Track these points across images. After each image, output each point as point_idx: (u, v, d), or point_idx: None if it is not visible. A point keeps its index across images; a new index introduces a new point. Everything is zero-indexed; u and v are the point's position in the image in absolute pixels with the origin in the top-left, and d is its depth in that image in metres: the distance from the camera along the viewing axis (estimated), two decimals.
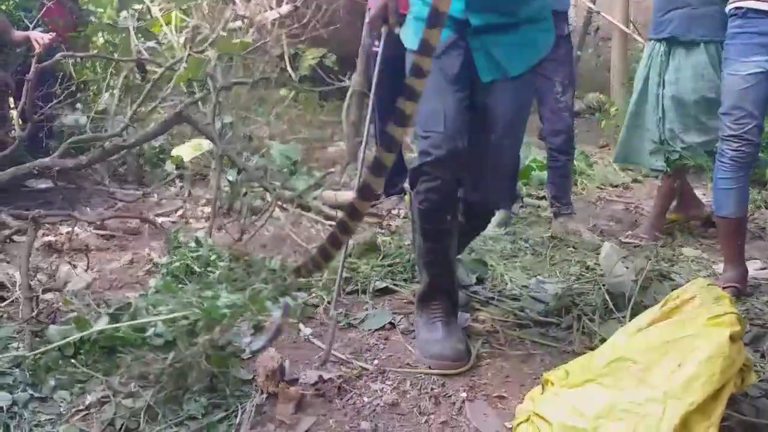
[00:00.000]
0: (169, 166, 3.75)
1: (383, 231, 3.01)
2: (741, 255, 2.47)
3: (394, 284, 2.34)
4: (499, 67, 1.78)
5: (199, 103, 3.53)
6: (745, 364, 1.53)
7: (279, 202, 2.88)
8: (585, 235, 3.04)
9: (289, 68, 4.70)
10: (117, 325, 1.71)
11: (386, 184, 3.45)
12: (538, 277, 2.50)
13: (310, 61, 5.74)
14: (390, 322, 2.06)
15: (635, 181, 4.39)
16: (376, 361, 1.81)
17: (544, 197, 3.66)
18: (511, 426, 1.50)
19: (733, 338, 1.35)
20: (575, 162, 4.49)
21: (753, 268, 2.69)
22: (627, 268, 2.23)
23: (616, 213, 3.64)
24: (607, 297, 2.08)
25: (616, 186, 4.18)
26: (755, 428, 1.53)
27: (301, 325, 2.00)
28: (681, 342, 1.38)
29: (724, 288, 2.32)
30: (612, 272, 2.18)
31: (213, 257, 2.32)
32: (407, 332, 2.00)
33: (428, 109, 1.73)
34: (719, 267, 2.65)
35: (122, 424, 1.47)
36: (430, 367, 1.77)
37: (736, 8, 2.32)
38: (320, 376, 1.66)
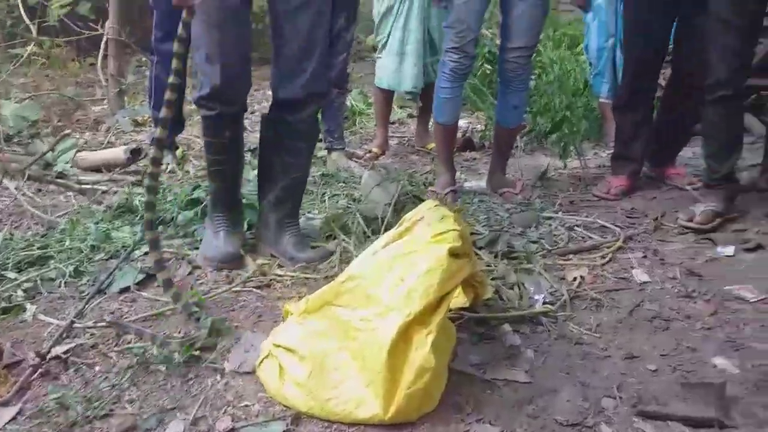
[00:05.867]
0: None
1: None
2: (452, 159, 2.76)
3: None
4: None
5: None
6: (479, 281, 1.63)
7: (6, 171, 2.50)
8: (356, 170, 3.09)
9: (25, 17, 4.12)
10: None
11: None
12: (307, 213, 2.48)
13: (59, 10, 5.07)
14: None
15: (410, 116, 4.57)
16: None
17: (321, 139, 3.65)
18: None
19: (453, 253, 1.40)
20: (354, 102, 4.56)
21: None
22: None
23: (391, 148, 3.74)
24: (362, 222, 2.11)
25: (393, 123, 4.30)
26: (485, 321, 1.66)
27: (28, 304, 1.76)
28: (406, 258, 1.41)
29: (445, 194, 2.53)
30: (369, 198, 2.22)
31: None
32: None
33: (208, 41, 1.84)
34: (471, 184, 2.87)
35: None
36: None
37: None
38: (38, 352, 1.47)
